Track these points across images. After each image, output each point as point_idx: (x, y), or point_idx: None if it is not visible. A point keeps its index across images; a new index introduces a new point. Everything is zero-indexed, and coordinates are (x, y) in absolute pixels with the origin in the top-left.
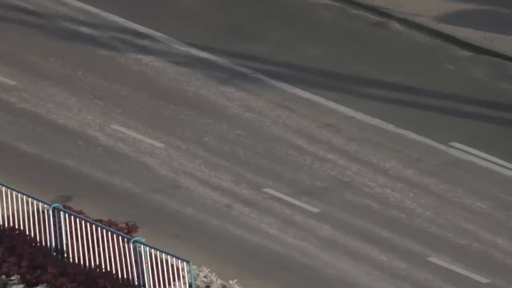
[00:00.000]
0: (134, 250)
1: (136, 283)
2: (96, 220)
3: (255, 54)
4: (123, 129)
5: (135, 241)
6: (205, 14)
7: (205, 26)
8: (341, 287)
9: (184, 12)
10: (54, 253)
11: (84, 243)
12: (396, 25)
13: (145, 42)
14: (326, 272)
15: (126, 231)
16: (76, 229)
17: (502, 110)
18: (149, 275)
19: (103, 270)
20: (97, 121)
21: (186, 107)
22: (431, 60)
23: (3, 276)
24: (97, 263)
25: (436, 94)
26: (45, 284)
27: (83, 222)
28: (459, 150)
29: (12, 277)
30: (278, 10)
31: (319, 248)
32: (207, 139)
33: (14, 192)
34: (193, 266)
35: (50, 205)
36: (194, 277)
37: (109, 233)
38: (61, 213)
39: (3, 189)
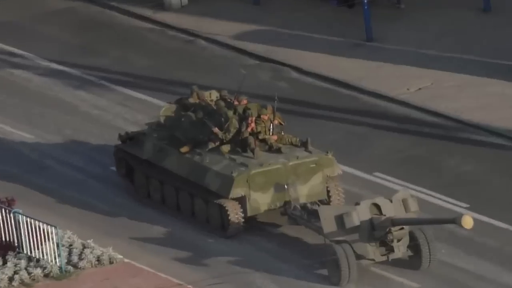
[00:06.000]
0: (14, 219)
1: (16, 245)
2: None
3: (99, 66)
4: (1, 125)
5: (14, 212)
6: (59, 37)
7: (60, 46)
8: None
9: (44, 35)
10: None
11: None
12: (202, 42)
13: (16, 60)
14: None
15: (6, 204)
16: None
17: (282, 102)
18: (26, 238)
19: None
20: None
21: (49, 107)
22: (229, 66)
23: None
24: None
25: (234, 91)
26: None
27: None
28: None
29: None
30: (113, 33)
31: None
32: (66, 131)
33: None
34: (59, 230)
35: None
36: (60, 238)
37: None
38: None
39: None
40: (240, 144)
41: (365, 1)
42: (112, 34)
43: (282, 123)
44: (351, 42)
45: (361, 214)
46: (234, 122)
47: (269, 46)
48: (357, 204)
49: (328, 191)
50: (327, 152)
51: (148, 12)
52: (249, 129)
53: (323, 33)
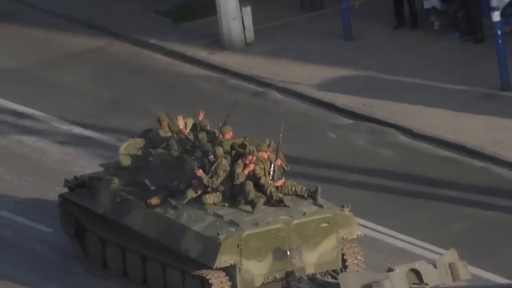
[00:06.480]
0: None
1: None
2: None
3: (139, 129)
4: (10, 215)
5: None
6: (86, 90)
7: (86, 102)
8: None
9: (64, 88)
10: None
11: None
12: (276, 95)
13: (26, 122)
14: None
15: None
16: None
17: (385, 177)
18: None
19: None
20: None
21: None
22: (313, 128)
23: None
24: None
25: (319, 164)
26: None
27: None
28: None
29: None
30: (157, 83)
31: None
32: None
33: None
34: None
35: None
36: None
37: None
38: None
39: None
40: (229, 194)
41: (499, 33)
42: (153, 84)
43: (285, 168)
44: (481, 91)
45: (395, 283)
46: (224, 163)
47: (367, 98)
48: (390, 270)
49: (344, 259)
50: (343, 207)
51: (202, 53)
52: (246, 172)
53: (441, 80)
